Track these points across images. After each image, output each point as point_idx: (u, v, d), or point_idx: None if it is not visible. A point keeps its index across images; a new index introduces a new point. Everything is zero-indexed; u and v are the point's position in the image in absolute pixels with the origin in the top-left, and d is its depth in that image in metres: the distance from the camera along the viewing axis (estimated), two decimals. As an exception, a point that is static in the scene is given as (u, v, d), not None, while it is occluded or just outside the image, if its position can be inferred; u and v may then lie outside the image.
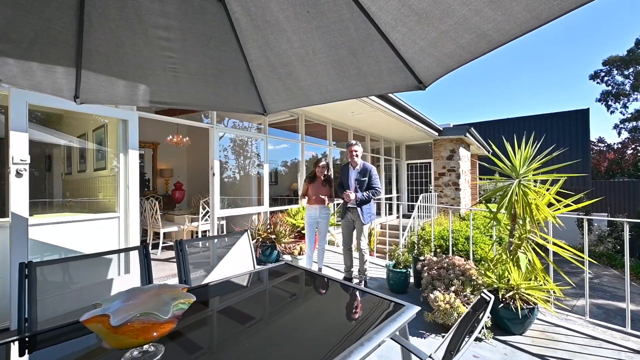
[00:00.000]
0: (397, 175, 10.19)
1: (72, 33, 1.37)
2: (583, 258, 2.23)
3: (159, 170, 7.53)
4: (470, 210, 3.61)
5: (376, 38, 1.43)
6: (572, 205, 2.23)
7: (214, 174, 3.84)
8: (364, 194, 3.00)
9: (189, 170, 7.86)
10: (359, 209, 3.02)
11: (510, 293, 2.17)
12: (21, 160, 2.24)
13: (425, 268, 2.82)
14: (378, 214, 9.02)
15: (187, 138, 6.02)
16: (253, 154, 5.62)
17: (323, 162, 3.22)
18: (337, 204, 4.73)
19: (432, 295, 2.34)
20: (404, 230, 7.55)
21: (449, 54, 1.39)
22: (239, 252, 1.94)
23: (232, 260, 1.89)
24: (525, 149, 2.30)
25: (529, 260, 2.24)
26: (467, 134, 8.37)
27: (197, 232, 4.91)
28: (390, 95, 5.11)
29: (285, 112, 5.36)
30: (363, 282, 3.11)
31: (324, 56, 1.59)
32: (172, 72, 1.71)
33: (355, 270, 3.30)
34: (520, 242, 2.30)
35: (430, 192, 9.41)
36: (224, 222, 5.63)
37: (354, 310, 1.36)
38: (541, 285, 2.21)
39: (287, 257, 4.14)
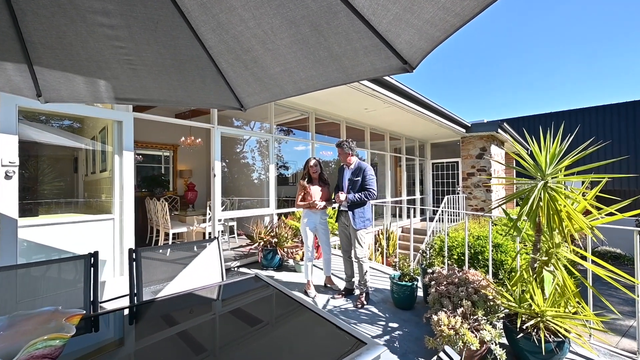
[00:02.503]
0: (421, 175, 9.59)
1: (8, 23, 1.27)
2: (634, 282, 1.74)
3: (178, 172, 7.74)
4: (491, 217, 3.13)
5: (340, 8, 1.17)
6: (616, 215, 1.76)
7: (214, 175, 3.75)
8: (356, 195, 2.70)
9: (208, 171, 7.98)
10: (350, 212, 2.73)
11: (533, 321, 1.76)
12: (10, 162, 2.26)
13: (433, 283, 2.45)
14: (398, 215, 8.53)
15: (199, 140, 6.08)
16: (269, 155, 5.48)
17: (313, 161, 2.97)
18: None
19: (434, 317, 1.99)
20: (414, 234, 7.03)
21: (430, 21, 1.09)
22: (206, 262, 1.76)
23: (197, 271, 1.71)
24: (553, 143, 1.86)
25: (558, 281, 1.81)
26: (499, 130, 7.60)
27: (205, 233, 4.89)
28: (404, 87, 4.70)
29: (295, 110, 5.18)
30: (364, 294, 2.80)
31: (285, 36, 1.35)
32: (128, 65, 1.57)
33: (357, 280, 3.00)
34: (547, 259, 1.87)
35: (458, 193, 8.71)
36: (234, 223, 5.59)
37: (298, 350, 1.10)
38: (575, 313, 1.77)
39: (290, 262, 3.94)
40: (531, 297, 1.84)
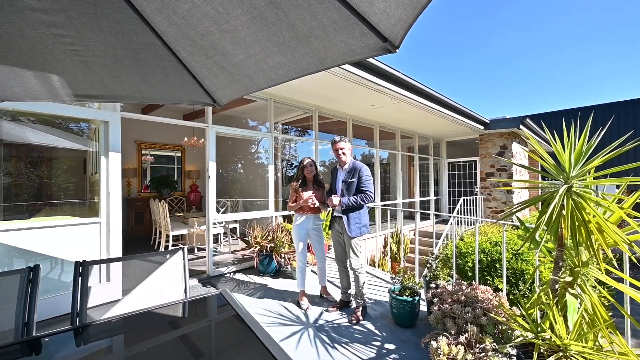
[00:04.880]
0: (436, 175, 9.12)
1: None
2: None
3: (187, 172, 7.75)
4: (503, 224, 2.77)
5: (294, -29, 0.93)
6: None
7: (209, 177, 3.60)
8: (351, 198, 2.44)
9: (217, 172, 7.93)
10: (344, 217, 2.47)
11: (554, 356, 1.44)
12: (-14, 164, 2.19)
13: (436, 300, 2.16)
14: (410, 217, 8.13)
15: (202, 140, 5.99)
16: (269, 155, 5.32)
17: (308, 161, 2.74)
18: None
19: (433, 344, 1.70)
20: (429, 237, 6.61)
21: (405, -22, 0.84)
22: (169, 276, 1.58)
23: (157, 286, 1.53)
24: (580, 139, 1.53)
25: (586, 306, 1.48)
26: (521, 127, 7.04)
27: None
28: (411, 81, 4.36)
29: (298, 109, 4.97)
30: (361, 308, 2.54)
31: (239, 13, 1.13)
32: (77, 57, 1.40)
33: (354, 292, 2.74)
34: (572, 279, 1.54)
35: (476, 194, 8.19)
36: (236, 225, 5.46)
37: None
38: (607, 348, 1.44)
39: (289, 269, 3.73)
40: (551, 326, 1.52)
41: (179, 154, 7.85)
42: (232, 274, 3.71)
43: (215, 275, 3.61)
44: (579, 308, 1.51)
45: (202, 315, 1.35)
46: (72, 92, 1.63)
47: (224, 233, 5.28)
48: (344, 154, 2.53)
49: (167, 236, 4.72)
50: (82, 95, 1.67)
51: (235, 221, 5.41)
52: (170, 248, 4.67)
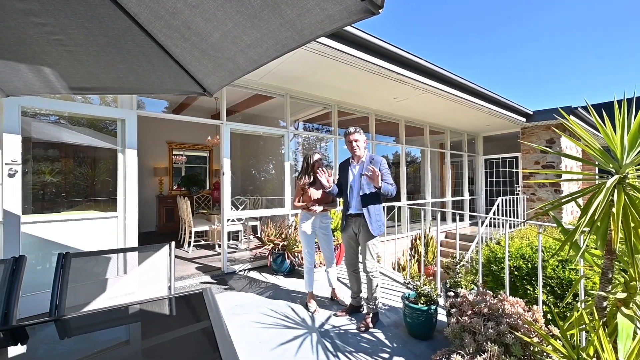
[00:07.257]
0: (472, 173, 8.43)
1: None
2: None
3: (214, 171, 8.01)
4: (540, 225, 2.36)
5: None
6: None
7: (223, 174, 3.60)
8: (387, 185, 2.20)
9: (242, 170, 8.10)
10: (366, 213, 2.24)
11: (599, 393, 1.13)
12: (12, 160, 2.35)
13: (454, 311, 1.88)
14: (441, 218, 7.59)
15: (225, 138, 6.09)
16: (285, 152, 5.26)
17: (317, 156, 2.55)
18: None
19: (444, 364, 1.45)
20: (461, 240, 6.05)
21: None
22: (154, 271, 1.53)
23: (140, 280, 1.49)
24: (637, 117, 1.19)
25: (646, 332, 1.14)
26: (572, 117, 6.19)
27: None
28: (437, 68, 3.98)
29: (317, 104, 4.82)
30: (372, 314, 2.32)
31: (200, -17, 1.02)
32: (62, 47, 1.40)
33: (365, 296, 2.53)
34: (626, 297, 1.21)
35: (517, 194, 7.41)
36: (256, 222, 5.47)
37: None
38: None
39: (302, 269, 3.60)
40: (597, 354, 1.20)
41: (208, 154, 8.14)
42: (246, 271, 3.67)
43: (230, 272, 3.60)
44: (635, 333, 1.17)
45: (179, 317, 1.27)
46: (67, 85, 1.65)
47: (244, 230, 5.31)
48: (358, 146, 2.33)
49: (191, 232, 4.85)
50: (77, 88, 1.68)
51: (256, 218, 5.42)
52: (192, 244, 4.80)
